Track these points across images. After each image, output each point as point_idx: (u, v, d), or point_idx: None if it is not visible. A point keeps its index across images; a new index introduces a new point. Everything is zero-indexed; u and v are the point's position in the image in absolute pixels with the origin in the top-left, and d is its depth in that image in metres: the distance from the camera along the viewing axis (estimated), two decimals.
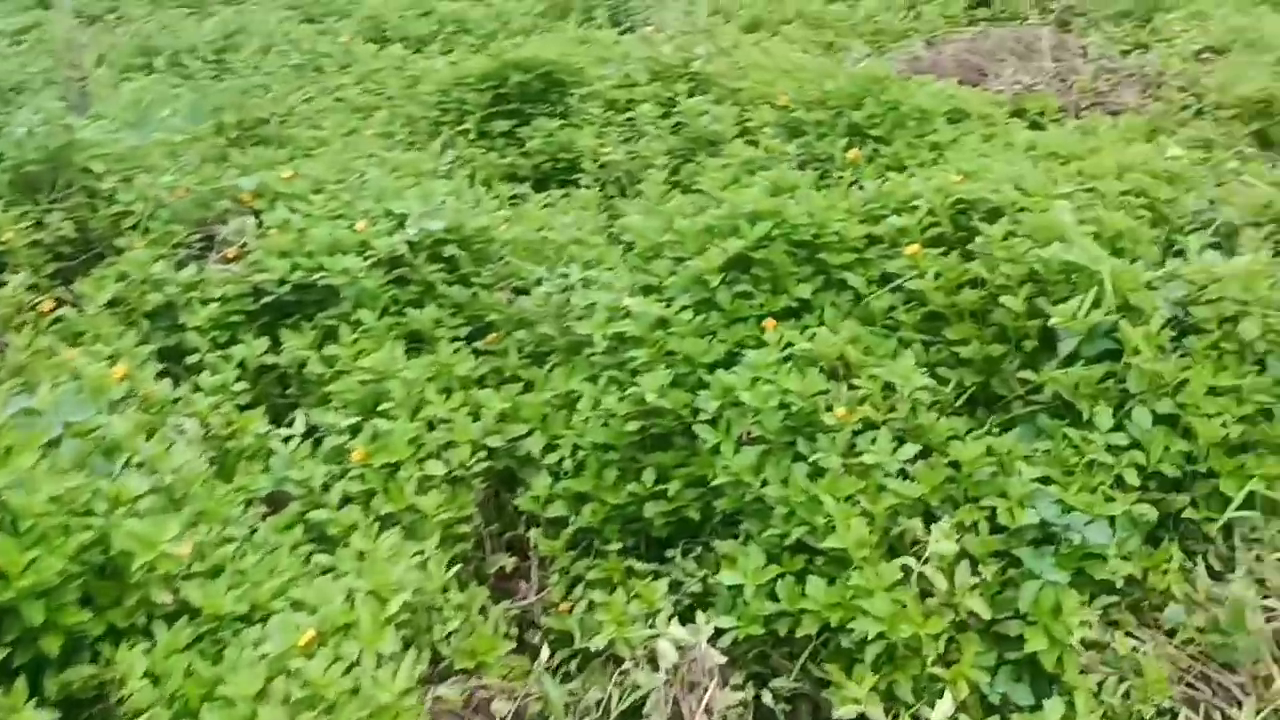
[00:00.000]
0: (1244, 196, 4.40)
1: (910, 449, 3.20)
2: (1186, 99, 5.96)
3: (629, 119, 6.27)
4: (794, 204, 3.87)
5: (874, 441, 3.19)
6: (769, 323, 3.53)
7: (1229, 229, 4.23)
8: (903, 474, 3.17)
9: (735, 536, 3.21)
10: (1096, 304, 3.43)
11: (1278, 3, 8.28)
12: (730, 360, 3.48)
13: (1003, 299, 3.55)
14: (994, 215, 3.90)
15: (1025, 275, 3.58)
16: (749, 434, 3.24)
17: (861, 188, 4.33)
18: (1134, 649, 3.01)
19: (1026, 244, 3.65)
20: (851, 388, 3.35)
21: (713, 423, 3.30)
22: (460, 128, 6.47)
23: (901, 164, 4.77)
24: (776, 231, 3.77)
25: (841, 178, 4.54)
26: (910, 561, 2.95)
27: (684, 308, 3.65)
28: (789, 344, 3.45)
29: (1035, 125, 5.58)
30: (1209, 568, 3.19)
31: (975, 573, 3.00)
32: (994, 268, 3.65)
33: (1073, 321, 3.38)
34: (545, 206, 5.35)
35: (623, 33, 7.89)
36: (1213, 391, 3.32)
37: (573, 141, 6.13)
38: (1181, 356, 3.42)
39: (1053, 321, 3.41)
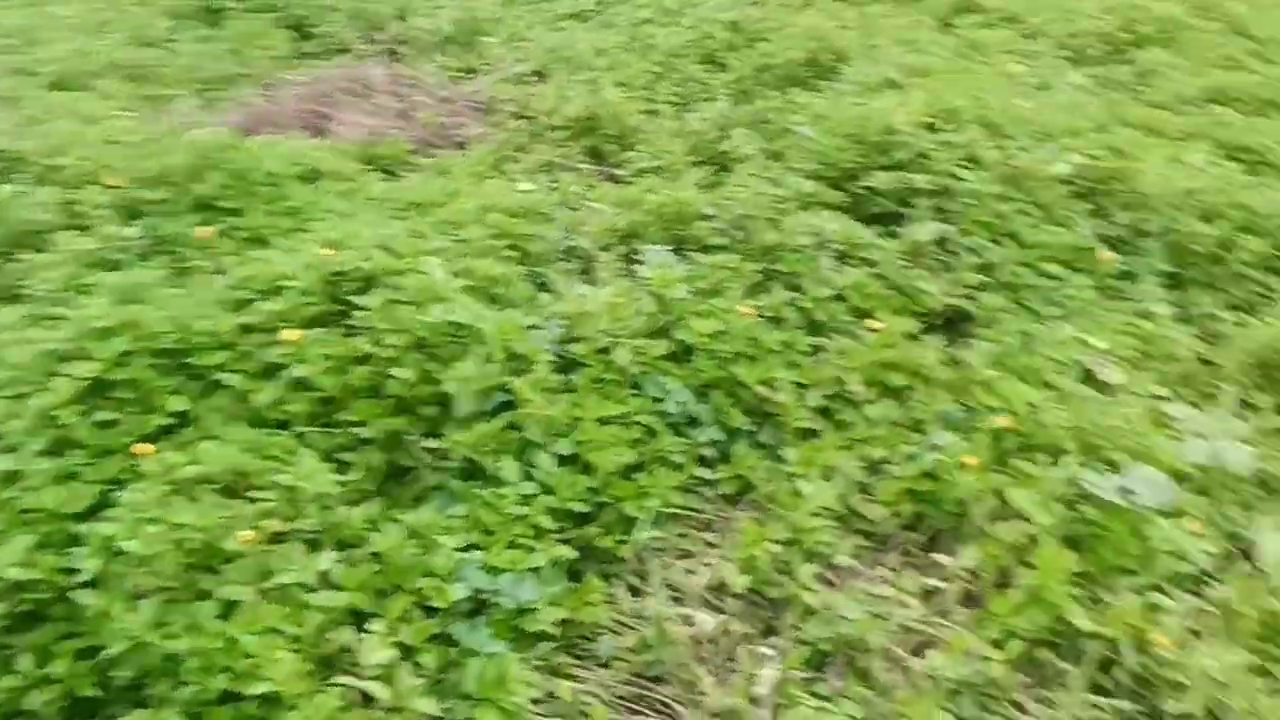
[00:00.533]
0: (595, 222, 4.77)
1: (328, 554, 3.03)
2: (522, 124, 6.36)
3: None
4: (150, 309, 3.49)
5: (287, 557, 2.98)
6: (142, 448, 3.15)
7: (587, 256, 4.56)
8: (325, 583, 3.00)
9: (144, 705, 2.82)
10: (487, 360, 3.50)
11: (584, 18, 9.01)
12: (104, 504, 3.05)
13: (394, 371, 3.49)
14: (369, 283, 3.83)
15: (412, 342, 3.55)
16: (140, 588, 2.85)
17: (223, 272, 4.04)
18: (576, 690, 3.11)
19: (408, 310, 3.62)
20: (253, 501, 3.10)
21: (94, 584, 2.87)
22: None
23: (262, 237, 4.53)
24: (136, 344, 3.37)
25: (196, 265, 4.21)
26: (349, 680, 2.79)
27: (36, 453, 3.14)
28: (172, 468, 3.10)
29: (389, 173, 5.61)
30: (629, 588, 3.40)
31: (417, 667, 2.91)
32: (379, 340, 3.57)
33: (465, 382, 3.42)
34: None
35: None
36: (602, 422, 3.55)
37: None
38: (570, 393, 3.62)
39: (446, 386, 3.43)
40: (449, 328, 3.56)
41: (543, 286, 4.23)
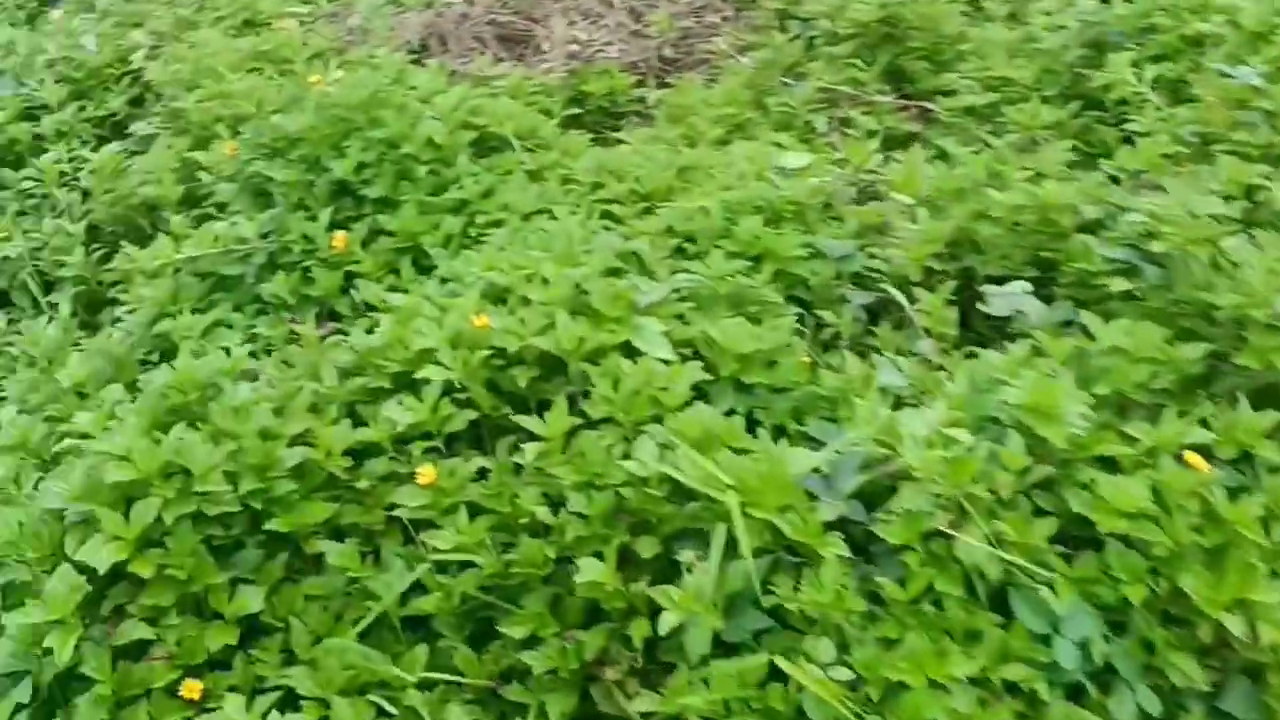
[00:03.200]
0: (904, 233, 3.17)
1: None
2: (793, 31, 4.70)
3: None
4: (201, 445, 2.26)
5: None
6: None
7: (889, 299, 3.00)
8: None
9: None
10: (727, 545, 2.11)
11: None
12: None
13: (580, 561, 2.15)
14: (548, 374, 2.50)
15: (609, 507, 2.20)
16: None
17: (345, 333, 2.81)
18: None
19: (599, 439, 2.26)
20: None
21: None
22: None
23: (418, 249, 3.23)
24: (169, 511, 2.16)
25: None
26: None
27: None
28: None
29: (601, 130, 4.14)
30: None
31: None
32: (554, 490, 2.24)
33: (691, 610, 2.04)
34: None
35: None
36: (932, 685, 2.09)
37: None
38: (871, 618, 2.17)
39: (663, 614, 2.06)
40: (662, 484, 2.17)
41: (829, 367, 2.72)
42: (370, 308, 3.15)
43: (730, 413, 2.42)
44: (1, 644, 2.11)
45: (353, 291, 3.25)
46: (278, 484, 2.31)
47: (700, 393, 2.43)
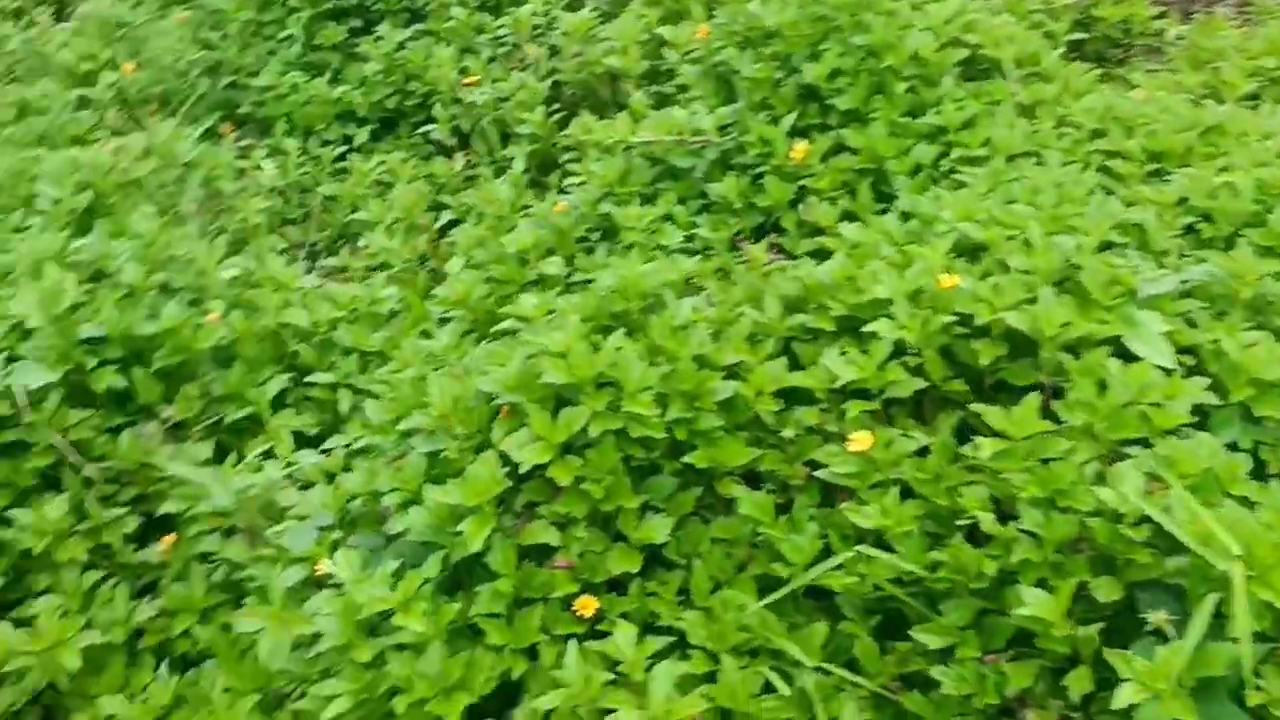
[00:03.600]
0: None
1: None
2: None
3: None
4: None
5: None
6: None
7: None
8: None
9: None
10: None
11: None
12: None
13: (1022, 587, 1.89)
14: (1015, 351, 2.20)
15: (1070, 533, 1.90)
16: None
17: (792, 258, 2.61)
18: None
19: (1066, 468, 1.95)
20: None
21: None
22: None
23: (882, 174, 2.96)
24: None
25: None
26: None
27: None
28: None
29: (1108, 59, 3.61)
30: None
31: None
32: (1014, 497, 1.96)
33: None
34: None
35: None
36: None
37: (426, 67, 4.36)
38: None
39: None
40: (1140, 525, 1.84)
41: None
42: (817, 231, 2.96)
43: (1233, 447, 2.03)
44: (420, 513, 2.15)
45: (800, 208, 3.06)
46: (704, 416, 2.18)
47: (1200, 416, 2.05)
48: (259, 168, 4.07)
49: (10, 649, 2.29)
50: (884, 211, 2.90)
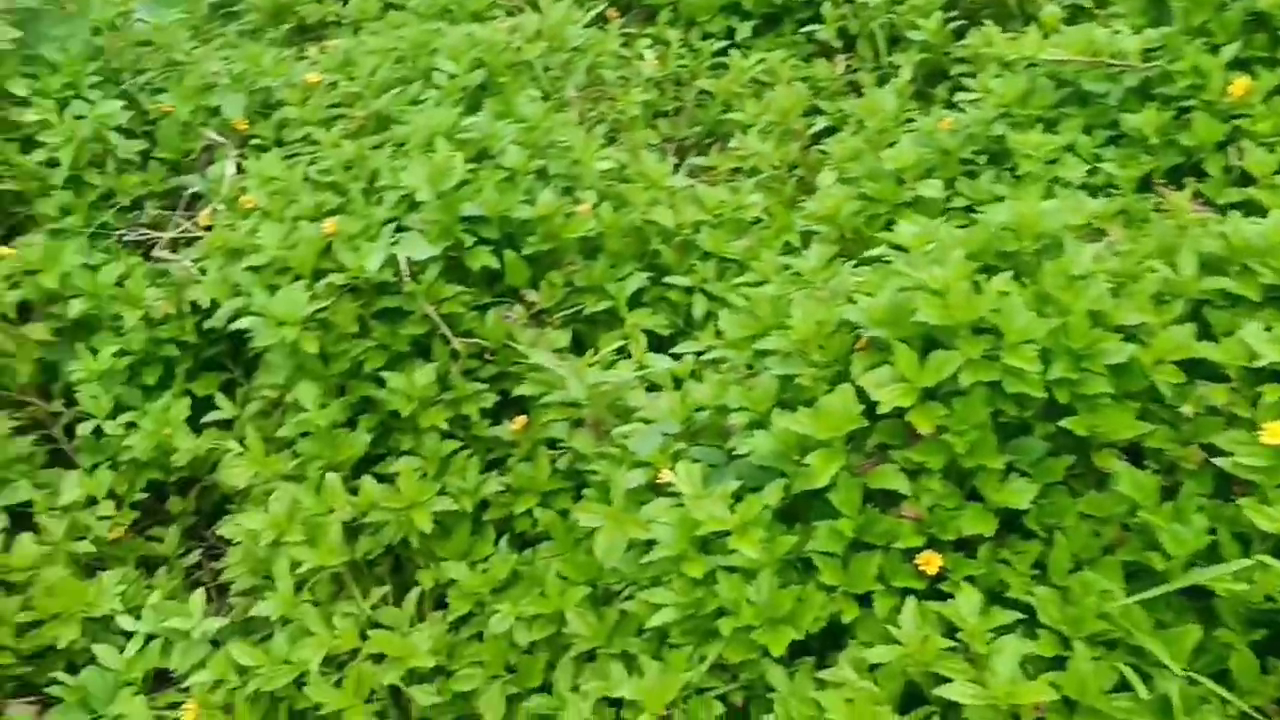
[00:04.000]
0: None
1: None
2: None
3: None
4: None
5: None
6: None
7: None
8: None
9: None
10: None
11: None
12: None
13: None
14: None
15: None
16: None
17: (1220, 211, 2.30)
18: None
19: None
20: None
21: None
22: None
23: None
24: None
25: None
26: None
27: None
28: None
29: None
30: None
31: None
32: None
33: None
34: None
35: None
36: None
37: None
38: None
39: None
40: None
41: None
42: (1248, 180, 2.60)
43: None
44: (766, 438, 2.09)
45: (1231, 150, 2.70)
46: (1091, 379, 1.97)
47: None
48: (640, 57, 4.06)
49: (373, 502, 2.47)
50: None
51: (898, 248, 2.31)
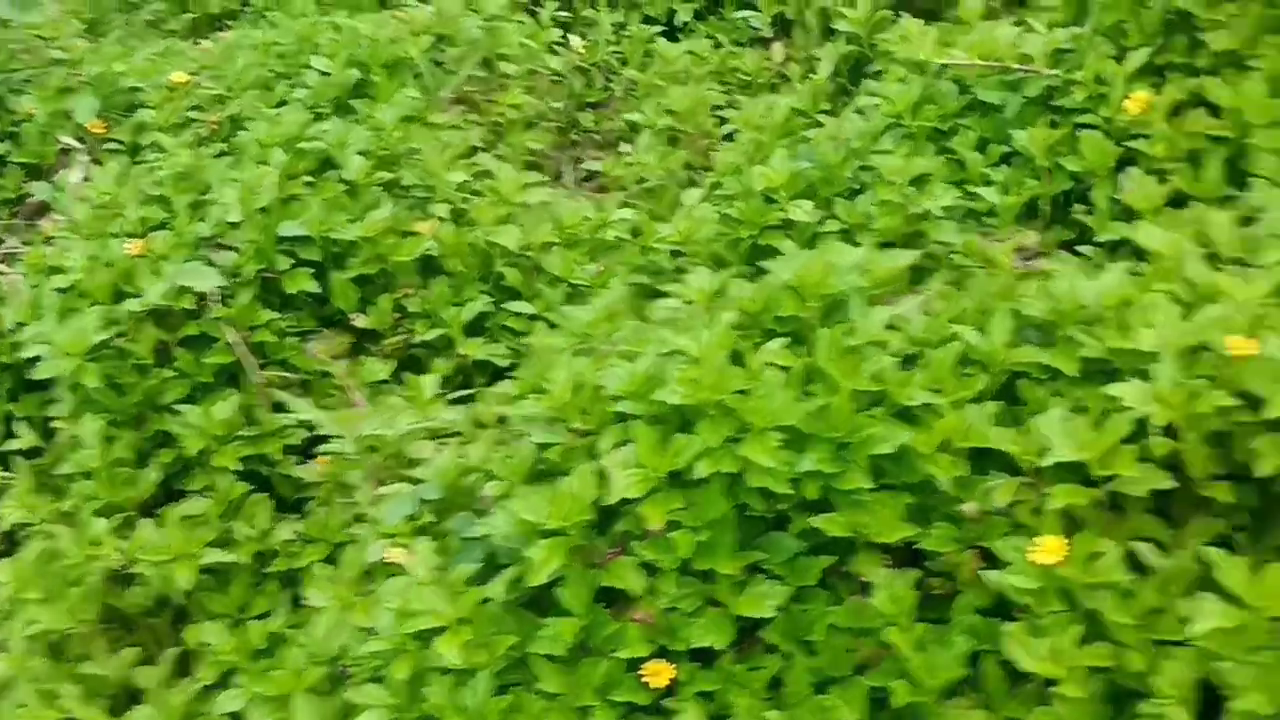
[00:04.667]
0: None
1: None
2: None
3: None
4: None
5: None
6: None
7: None
8: None
9: None
10: None
11: None
12: None
13: None
14: None
15: None
16: None
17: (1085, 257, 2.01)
18: None
19: None
20: None
21: None
22: None
23: (1250, 154, 2.19)
24: None
25: None
26: None
27: None
28: None
29: None
30: None
31: None
32: None
33: None
34: None
35: None
36: None
37: None
38: None
39: None
40: None
41: None
42: (1131, 214, 2.28)
43: None
44: (505, 517, 1.86)
45: (1121, 177, 2.37)
46: (851, 471, 1.71)
47: None
48: (563, 43, 3.80)
49: (137, 552, 2.29)
50: (1227, 200, 2.18)
51: (688, 302, 2.05)
